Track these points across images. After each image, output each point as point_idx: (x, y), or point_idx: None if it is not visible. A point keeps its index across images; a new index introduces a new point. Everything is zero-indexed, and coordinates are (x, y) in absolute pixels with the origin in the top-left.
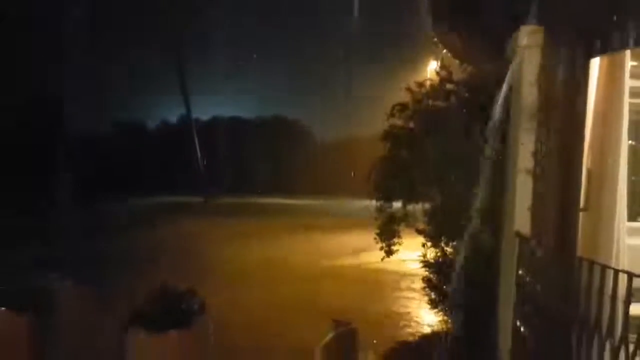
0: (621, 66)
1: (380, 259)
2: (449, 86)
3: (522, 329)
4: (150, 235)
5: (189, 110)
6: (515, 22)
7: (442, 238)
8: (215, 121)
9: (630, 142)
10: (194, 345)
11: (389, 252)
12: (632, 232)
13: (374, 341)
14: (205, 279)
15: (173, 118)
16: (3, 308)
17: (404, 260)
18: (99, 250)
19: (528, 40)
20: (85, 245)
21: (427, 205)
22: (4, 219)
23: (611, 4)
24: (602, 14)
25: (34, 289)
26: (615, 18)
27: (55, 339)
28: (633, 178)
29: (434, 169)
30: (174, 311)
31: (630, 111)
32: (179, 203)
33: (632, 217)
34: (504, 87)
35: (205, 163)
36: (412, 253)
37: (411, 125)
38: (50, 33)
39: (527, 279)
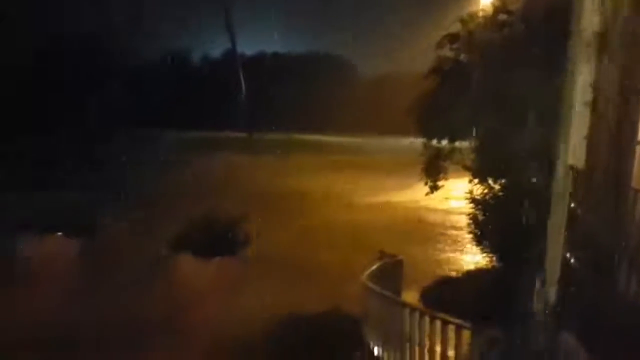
0: None
1: (424, 195)
2: (502, 17)
3: (571, 260)
4: (196, 167)
5: (234, 45)
6: None
7: (490, 174)
8: (260, 57)
9: None
10: (238, 272)
11: (434, 188)
12: None
13: (419, 275)
14: (249, 208)
15: (218, 53)
16: (59, 233)
17: (448, 198)
18: (146, 179)
19: None
20: (132, 173)
21: (474, 142)
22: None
23: None
24: None
25: (89, 213)
26: None
27: (107, 260)
28: None
29: (484, 103)
30: (219, 238)
31: None
32: (224, 138)
33: None
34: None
35: (249, 99)
36: (457, 191)
37: (461, 58)
38: None
39: (579, 211)
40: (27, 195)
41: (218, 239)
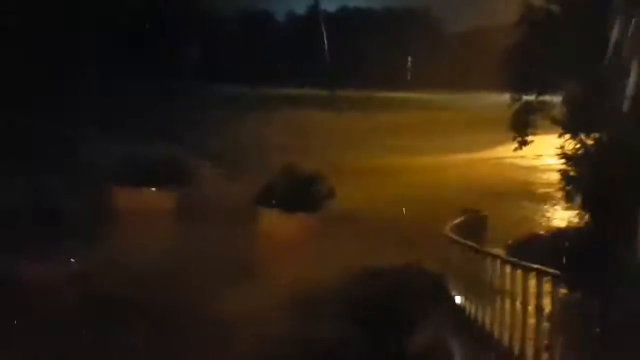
0: None
1: (513, 152)
2: None
3: None
4: (278, 122)
5: (317, 0)
6: None
7: (582, 129)
8: (343, 12)
9: None
10: (321, 226)
11: (523, 143)
12: None
13: (505, 231)
14: (334, 164)
15: (302, 9)
16: (153, 188)
17: (539, 155)
18: (229, 134)
19: None
20: (215, 128)
21: (566, 95)
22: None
23: None
24: None
25: (177, 166)
26: None
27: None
28: None
29: (576, 53)
30: (303, 193)
31: None
32: (306, 95)
33: None
34: None
35: (332, 55)
36: (548, 147)
37: (551, 7)
38: None
39: None
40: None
41: (301, 194)
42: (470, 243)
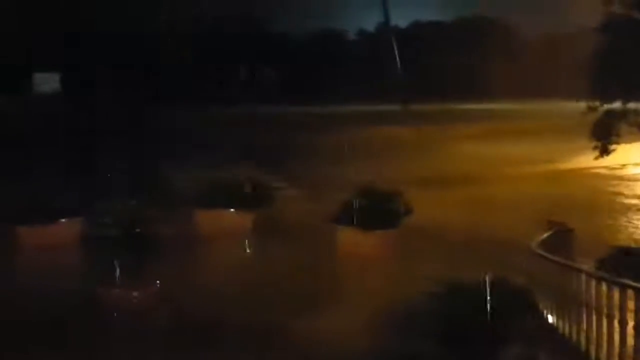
0: None
1: (594, 160)
2: None
3: None
4: (354, 139)
5: (387, 18)
6: None
7: None
8: (415, 27)
9: None
10: (400, 243)
11: (605, 151)
12: None
13: (591, 246)
14: (412, 182)
15: (371, 25)
16: (232, 209)
17: (624, 165)
18: (307, 153)
19: None
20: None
21: None
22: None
23: None
24: None
25: (255, 189)
26: None
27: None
28: None
29: None
30: (380, 210)
31: None
32: (379, 111)
33: None
34: None
35: (404, 70)
36: (633, 158)
37: (633, 13)
38: None
39: None
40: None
41: (378, 211)
42: (558, 259)
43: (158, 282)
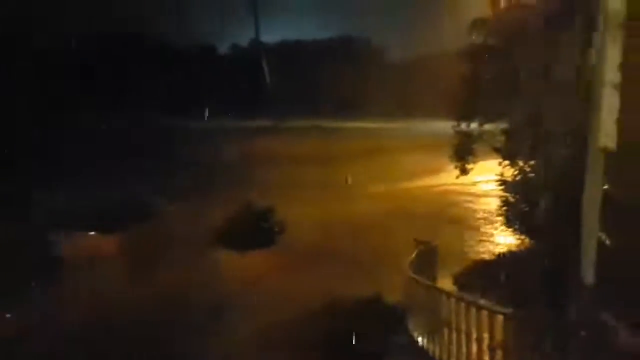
0: None
1: (455, 179)
2: None
3: (607, 242)
4: (224, 155)
5: (258, 33)
6: None
7: (520, 155)
8: (285, 44)
9: None
10: (276, 262)
11: (464, 171)
12: None
13: (452, 259)
14: (283, 197)
15: (243, 41)
16: (92, 232)
17: (477, 182)
18: (174, 170)
19: None
20: (170, 161)
21: (504, 124)
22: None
23: None
24: None
25: (136, 207)
26: None
27: (149, 254)
28: None
29: (514, 85)
30: (256, 230)
31: None
32: (251, 126)
33: None
34: None
35: (275, 87)
36: (487, 175)
37: (490, 42)
38: None
39: (613, 192)
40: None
41: (253, 231)
42: (421, 279)
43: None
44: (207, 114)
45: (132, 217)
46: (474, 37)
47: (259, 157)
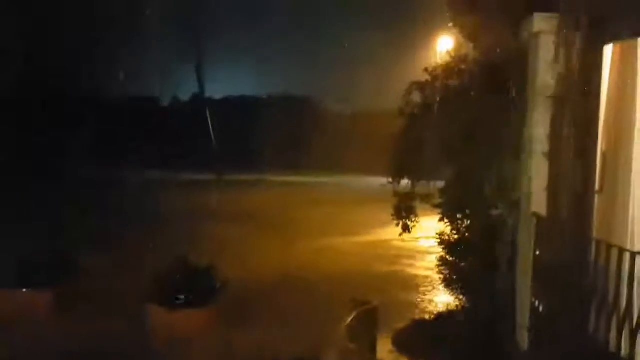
0: (634, 51)
1: (397, 236)
2: (463, 66)
3: (540, 307)
4: (164, 209)
5: (202, 88)
6: (530, 8)
7: (457, 215)
8: (229, 99)
9: None
10: (214, 321)
11: (406, 228)
12: None
13: (391, 319)
14: (223, 256)
15: (187, 96)
16: (24, 289)
17: (418, 238)
18: (118, 222)
19: (542, 27)
20: (103, 213)
21: (443, 182)
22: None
23: None
24: (614, 3)
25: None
26: (626, 7)
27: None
28: None
29: (449, 145)
30: (193, 289)
31: None
32: (193, 180)
33: None
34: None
35: (218, 141)
36: (429, 231)
37: (427, 102)
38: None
39: (545, 258)
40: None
41: (192, 288)
42: (354, 347)
43: None
44: (145, 166)
45: (57, 273)
46: (410, 98)
47: (198, 211)
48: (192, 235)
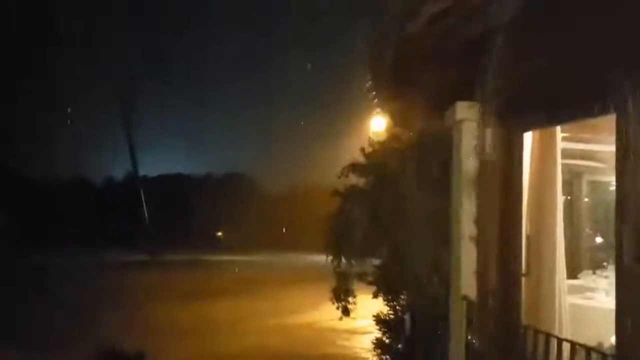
0: (553, 137)
1: (331, 318)
2: (395, 146)
3: None
4: (92, 291)
5: (135, 167)
6: (453, 97)
7: (390, 295)
8: (162, 178)
9: (566, 197)
10: None
11: (345, 311)
12: (572, 290)
13: None
14: (156, 336)
15: (120, 176)
16: None
17: (354, 319)
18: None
19: (465, 114)
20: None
21: (376, 262)
22: None
23: (541, 87)
24: (531, 92)
25: None
26: (543, 96)
27: None
28: (569, 235)
29: (380, 226)
30: None
31: (562, 171)
32: (126, 261)
33: (570, 274)
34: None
35: (151, 220)
36: (365, 309)
37: (360, 184)
38: None
39: (475, 341)
40: None
41: None
42: None
43: None
44: (76, 249)
45: None
46: (346, 178)
47: (130, 292)
48: (126, 318)
